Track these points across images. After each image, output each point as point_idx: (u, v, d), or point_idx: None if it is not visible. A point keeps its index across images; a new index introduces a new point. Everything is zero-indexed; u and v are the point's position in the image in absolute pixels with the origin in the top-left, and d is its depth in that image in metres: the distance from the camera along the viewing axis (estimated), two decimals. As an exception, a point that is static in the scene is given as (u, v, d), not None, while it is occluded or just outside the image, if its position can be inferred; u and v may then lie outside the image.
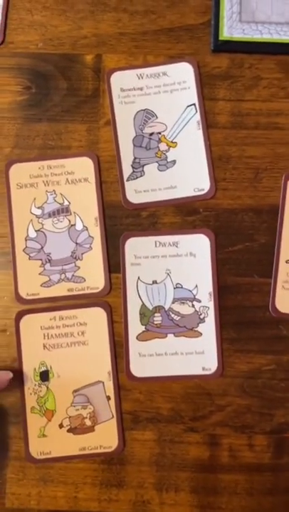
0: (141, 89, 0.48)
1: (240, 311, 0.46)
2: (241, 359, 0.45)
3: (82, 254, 0.46)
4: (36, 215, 0.47)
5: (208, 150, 0.47)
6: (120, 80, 0.48)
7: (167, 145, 0.47)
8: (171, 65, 0.48)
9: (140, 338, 0.46)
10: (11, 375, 0.43)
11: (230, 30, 0.48)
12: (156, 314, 0.46)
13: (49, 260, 0.46)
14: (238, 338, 0.46)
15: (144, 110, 0.48)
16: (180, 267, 0.46)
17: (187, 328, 0.46)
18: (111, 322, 0.46)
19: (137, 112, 0.48)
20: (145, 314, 0.46)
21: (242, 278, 0.46)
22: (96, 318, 0.46)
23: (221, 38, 0.48)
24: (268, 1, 0.48)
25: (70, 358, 0.45)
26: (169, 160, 0.47)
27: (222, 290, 0.46)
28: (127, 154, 0.47)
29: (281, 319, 0.46)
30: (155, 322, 0.46)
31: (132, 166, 0.47)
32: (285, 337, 0.45)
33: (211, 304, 0.46)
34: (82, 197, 0.47)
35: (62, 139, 0.48)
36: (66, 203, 0.47)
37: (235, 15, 0.48)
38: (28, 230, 0.47)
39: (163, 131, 0.48)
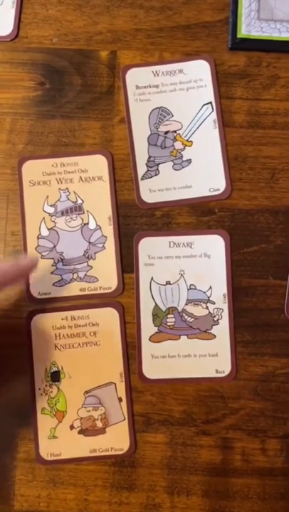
0: (156, 86, 0.47)
1: (254, 314, 0.45)
2: (255, 362, 0.45)
3: (95, 253, 0.46)
4: (49, 213, 0.46)
5: (225, 149, 0.47)
6: (135, 77, 0.47)
7: (183, 144, 0.47)
8: (188, 63, 0.47)
9: (153, 339, 0.45)
10: (37, 259, 0.44)
11: (248, 28, 0.47)
12: (169, 315, 0.45)
13: (61, 259, 0.46)
14: (253, 341, 0.45)
15: (159, 108, 0.47)
16: (194, 267, 0.46)
17: (201, 330, 0.45)
18: (123, 323, 0.45)
19: (152, 110, 0.47)
20: (158, 315, 0.45)
21: (257, 280, 0.46)
22: (108, 318, 0.45)
23: (238, 36, 0.47)
24: (287, 2, 0.48)
25: (81, 359, 0.45)
26: (184, 159, 0.47)
27: (236, 292, 0.45)
28: (141, 153, 0.47)
29: (296, 322, 0.45)
30: (168, 323, 0.45)
31: (146, 164, 0.47)
32: (300, 340, 0.45)
33: (225, 306, 0.45)
34: (95, 195, 0.46)
35: (76, 136, 0.47)
36: (79, 201, 0.46)
37: (254, 13, 0.47)
38: (40, 228, 0.46)
39: (178, 130, 0.47)
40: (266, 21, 0.47)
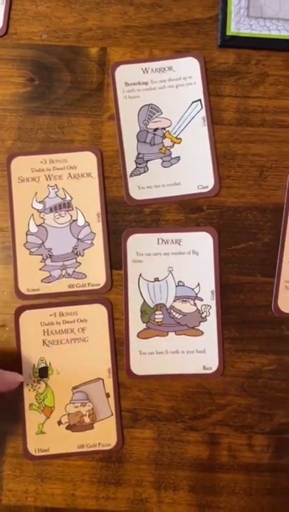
0: (146, 83, 0.47)
1: (242, 311, 0.45)
2: (242, 358, 0.45)
3: (83, 250, 0.46)
4: (38, 210, 0.46)
5: (213, 147, 0.47)
6: (125, 74, 0.47)
7: (172, 141, 0.47)
8: (177, 60, 0.47)
9: (141, 335, 0.45)
10: (21, 378, 0.43)
11: (238, 25, 0.47)
12: (157, 312, 0.46)
13: (50, 256, 0.46)
14: (240, 338, 0.45)
15: (148, 105, 0.47)
16: (182, 264, 0.46)
17: (188, 326, 0.45)
18: (112, 319, 0.45)
19: (142, 107, 0.47)
20: (146, 312, 0.46)
21: (245, 277, 0.46)
22: (97, 314, 0.45)
23: (228, 34, 0.47)
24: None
25: (69, 355, 0.45)
26: (173, 156, 0.47)
27: (224, 289, 0.46)
28: (130, 149, 0.47)
29: (283, 319, 0.45)
30: (156, 320, 0.45)
31: (135, 161, 0.47)
32: (287, 337, 0.45)
33: (212, 303, 0.45)
34: (84, 192, 0.46)
35: (65, 133, 0.47)
36: (68, 197, 0.46)
37: (243, 10, 0.47)
38: (29, 224, 0.46)
39: (167, 127, 0.47)
40: (255, 19, 0.47)
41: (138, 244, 0.46)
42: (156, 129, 0.47)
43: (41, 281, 0.46)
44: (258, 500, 0.44)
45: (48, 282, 0.46)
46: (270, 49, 0.47)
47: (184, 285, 0.46)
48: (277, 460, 0.44)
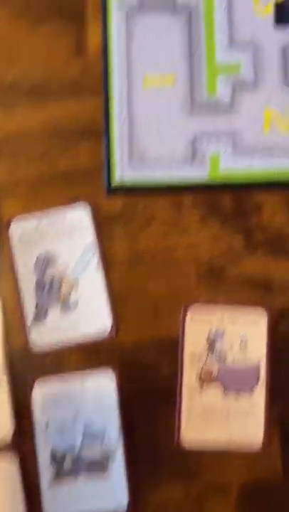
0: (40, 234, 0.50)
1: (149, 444, 0.48)
2: (152, 490, 0.47)
3: (-12, 403, 0.47)
4: None
5: (109, 288, 0.50)
6: (19, 227, 0.50)
7: (68, 287, 0.49)
8: (68, 209, 0.50)
9: (52, 483, 0.47)
10: None
11: (122, 173, 0.51)
12: (66, 458, 0.47)
13: None
14: (147, 471, 0.47)
15: (44, 254, 0.50)
16: (87, 406, 0.48)
17: (97, 468, 0.47)
18: (20, 469, 0.47)
19: (37, 257, 0.49)
20: (55, 459, 0.47)
21: (148, 410, 0.48)
22: (4, 467, 0.46)
23: (112, 183, 0.50)
24: (157, 142, 0.51)
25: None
26: (71, 301, 0.49)
27: (129, 426, 0.48)
28: (29, 299, 0.49)
29: (189, 448, 0.48)
30: (65, 467, 0.47)
31: (35, 310, 0.49)
32: (193, 467, 0.48)
33: (119, 442, 0.47)
34: (-14, 345, 0.48)
35: None
36: None
37: (126, 158, 0.51)
38: None
39: (64, 274, 0.49)
40: (139, 165, 0.51)
41: (44, 390, 0.48)
42: (52, 277, 0.49)
43: None
44: None
45: None
46: (155, 193, 0.51)
47: (90, 427, 0.48)
48: None
